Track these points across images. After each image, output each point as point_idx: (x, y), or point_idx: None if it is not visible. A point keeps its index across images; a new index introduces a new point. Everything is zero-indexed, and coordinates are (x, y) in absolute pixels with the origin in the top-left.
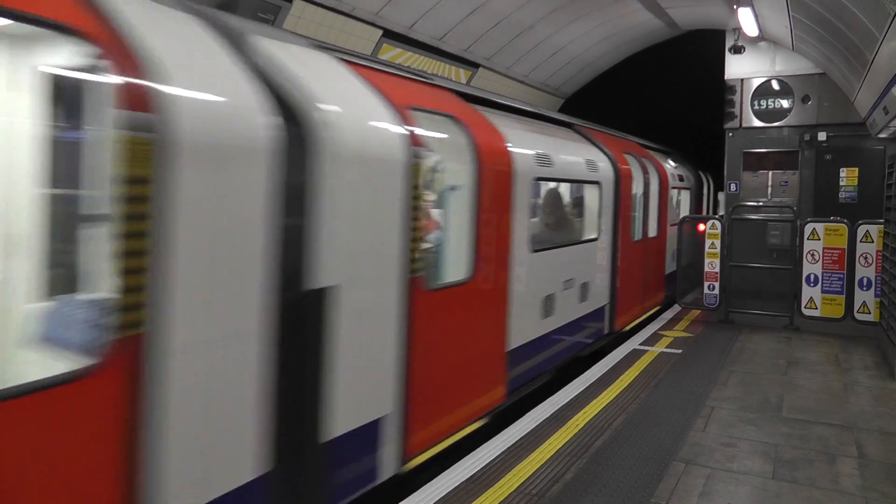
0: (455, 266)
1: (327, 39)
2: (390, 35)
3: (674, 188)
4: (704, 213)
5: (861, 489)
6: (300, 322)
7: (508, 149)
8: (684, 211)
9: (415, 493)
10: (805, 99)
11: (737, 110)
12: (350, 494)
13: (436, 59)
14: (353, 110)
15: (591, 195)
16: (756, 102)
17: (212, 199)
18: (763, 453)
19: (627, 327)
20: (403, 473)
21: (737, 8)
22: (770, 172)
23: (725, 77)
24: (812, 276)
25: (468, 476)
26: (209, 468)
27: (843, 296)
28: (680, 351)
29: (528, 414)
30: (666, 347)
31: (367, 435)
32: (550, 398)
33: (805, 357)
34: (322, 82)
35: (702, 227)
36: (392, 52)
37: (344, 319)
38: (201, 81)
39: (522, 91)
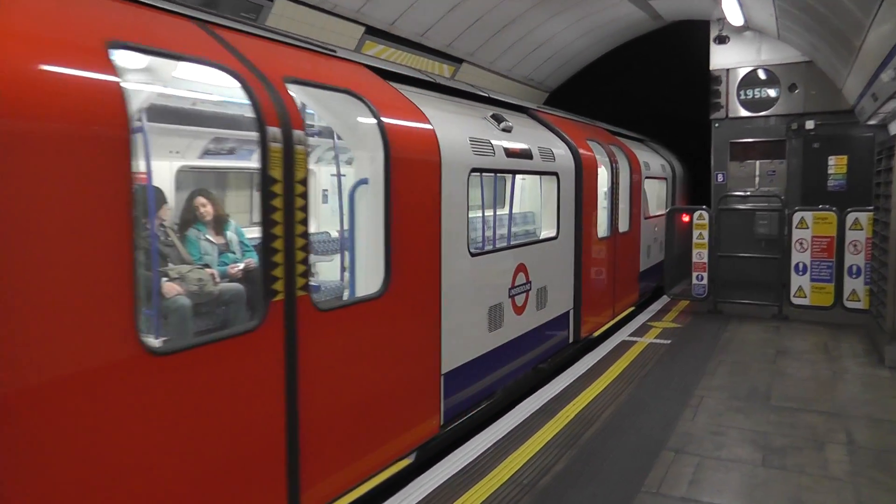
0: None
1: (310, 36)
2: (372, 32)
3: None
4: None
5: (850, 475)
6: None
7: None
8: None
9: (407, 486)
10: (792, 87)
11: (723, 100)
12: None
13: (419, 55)
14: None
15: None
16: (742, 92)
17: None
18: (752, 441)
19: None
20: None
21: None
22: (757, 162)
23: (711, 67)
24: (801, 265)
25: (459, 468)
26: None
27: (833, 284)
28: (669, 341)
29: (517, 407)
30: (655, 338)
31: None
32: (539, 391)
33: (794, 346)
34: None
35: (686, 218)
36: (375, 49)
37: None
38: None
39: (506, 85)
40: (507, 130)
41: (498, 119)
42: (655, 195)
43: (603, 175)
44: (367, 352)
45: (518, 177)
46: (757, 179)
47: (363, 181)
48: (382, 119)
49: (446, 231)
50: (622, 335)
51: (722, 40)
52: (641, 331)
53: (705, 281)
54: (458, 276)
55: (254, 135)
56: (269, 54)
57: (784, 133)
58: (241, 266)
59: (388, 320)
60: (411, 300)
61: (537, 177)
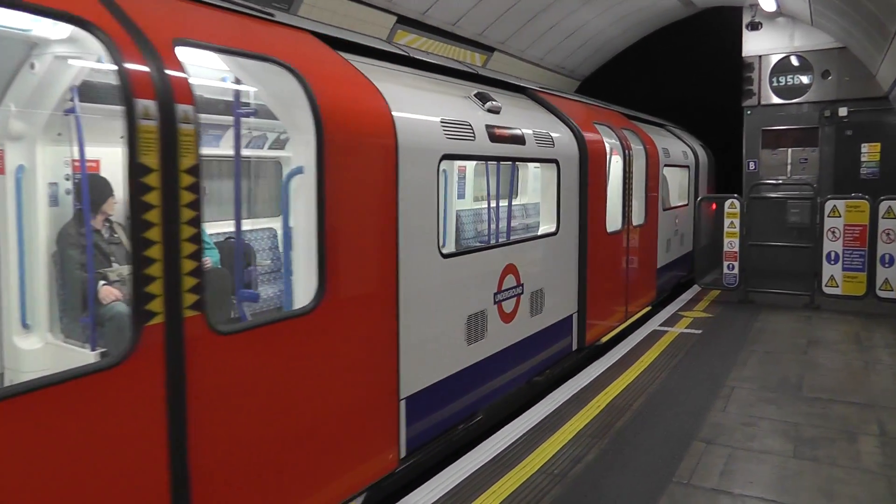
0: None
1: (342, 26)
2: (404, 21)
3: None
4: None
5: (882, 467)
6: None
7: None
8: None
9: (439, 474)
10: (825, 74)
11: (755, 87)
12: None
13: (451, 44)
14: None
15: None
16: (775, 79)
17: None
18: (783, 432)
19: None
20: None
21: None
22: (789, 150)
23: (743, 54)
24: (833, 254)
25: (491, 457)
26: None
27: (865, 273)
28: (700, 331)
29: (548, 396)
30: (685, 328)
31: None
32: (570, 380)
33: (825, 336)
34: None
35: (713, 206)
36: (407, 38)
37: None
38: None
39: (538, 74)
40: (495, 111)
41: (483, 98)
42: (677, 184)
43: (614, 163)
44: (292, 380)
45: (531, 165)
46: (789, 167)
47: (298, 170)
48: (314, 93)
49: (406, 229)
50: (653, 325)
51: (754, 27)
52: (672, 320)
53: (736, 270)
54: (423, 281)
55: (120, 109)
56: (164, 12)
57: (817, 120)
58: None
59: (321, 340)
60: (354, 314)
61: (541, 165)
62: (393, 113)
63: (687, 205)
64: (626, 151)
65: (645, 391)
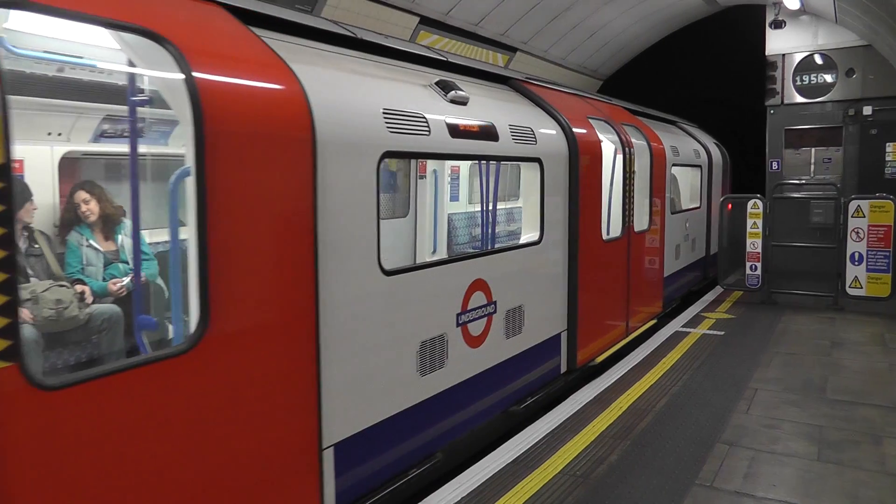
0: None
1: (365, 27)
2: (427, 22)
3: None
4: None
5: None
6: None
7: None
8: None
9: (460, 476)
10: (849, 72)
11: (778, 87)
12: None
13: (473, 45)
14: None
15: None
16: (798, 78)
17: None
18: (807, 435)
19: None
20: None
21: None
22: (812, 149)
23: (766, 53)
24: (857, 255)
25: (513, 458)
26: None
27: (889, 274)
28: (722, 332)
29: (571, 397)
30: (708, 329)
31: None
32: (593, 381)
33: (849, 337)
34: None
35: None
36: (429, 39)
37: None
38: None
39: (561, 74)
40: (460, 102)
41: (445, 87)
42: (688, 185)
43: (611, 162)
44: (161, 440)
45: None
46: (812, 167)
47: (187, 172)
48: (194, 73)
49: (329, 242)
50: (675, 326)
51: (778, 25)
52: (695, 322)
53: (759, 271)
54: (356, 305)
55: None
56: None
57: (841, 119)
58: (126, 281)
59: (203, 386)
60: (252, 351)
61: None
62: (310, 100)
63: (699, 207)
64: (628, 149)
65: (667, 392)
